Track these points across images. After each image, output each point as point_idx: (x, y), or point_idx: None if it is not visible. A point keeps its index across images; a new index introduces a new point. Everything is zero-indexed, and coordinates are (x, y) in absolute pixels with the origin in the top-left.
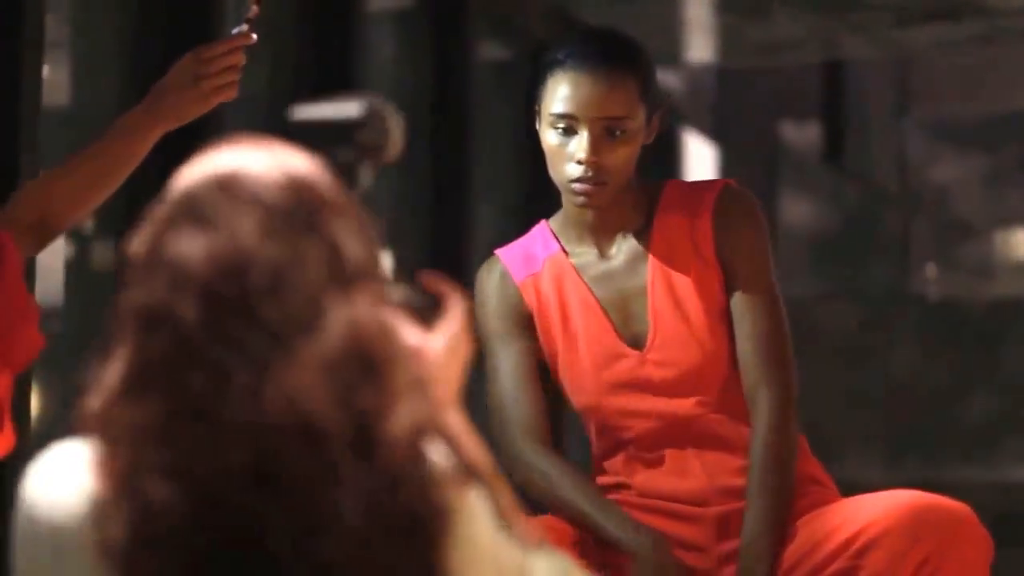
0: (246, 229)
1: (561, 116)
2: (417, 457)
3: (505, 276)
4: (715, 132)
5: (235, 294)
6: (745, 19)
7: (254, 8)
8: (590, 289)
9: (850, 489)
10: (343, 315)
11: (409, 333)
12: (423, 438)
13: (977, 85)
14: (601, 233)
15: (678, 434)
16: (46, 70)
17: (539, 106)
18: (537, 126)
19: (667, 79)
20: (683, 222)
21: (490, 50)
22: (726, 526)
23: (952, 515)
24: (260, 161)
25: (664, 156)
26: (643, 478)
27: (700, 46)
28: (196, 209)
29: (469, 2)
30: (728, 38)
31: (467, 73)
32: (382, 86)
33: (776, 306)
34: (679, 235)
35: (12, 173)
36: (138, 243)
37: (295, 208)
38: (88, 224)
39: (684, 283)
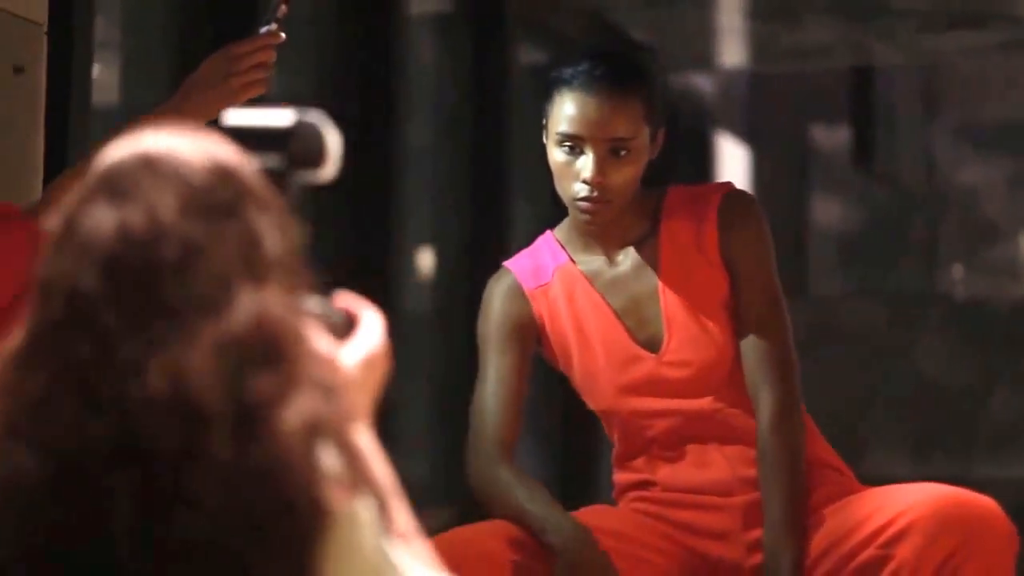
0: (163, 205)
1: (567, 136)
2: (304, 454)
3: (515, 287)
4: (747, 135)
5: (139, 268)
6: (777, 25)
7: (283, 7)
8: (602, 296)
9: (876, 486)
10: (250, 303)
11: (322, 341)
12: (316, 437)
13: (1003, 90)
14: (608, 242)
15: (698, 429)
16: (96, 69)
17: (546, 122)
18: (544, 140)
19: (700, 83)
20: (688, 227)
21: (528, 53)
22: (751, 514)
23: (978, 509)
24: (188, 144)
25: (697, 159)
26: (667, 473)
27: (733, 51)
28: (115, 184)
29: (507, 6)
30: (760, 43)
31: (505, 76)
32: (421, 89)
33: (778, 307)
34: (685, 239)
35: (63, 172)
36: (55, 217)
37: (217, 192)
38: None
39: (693, 285)
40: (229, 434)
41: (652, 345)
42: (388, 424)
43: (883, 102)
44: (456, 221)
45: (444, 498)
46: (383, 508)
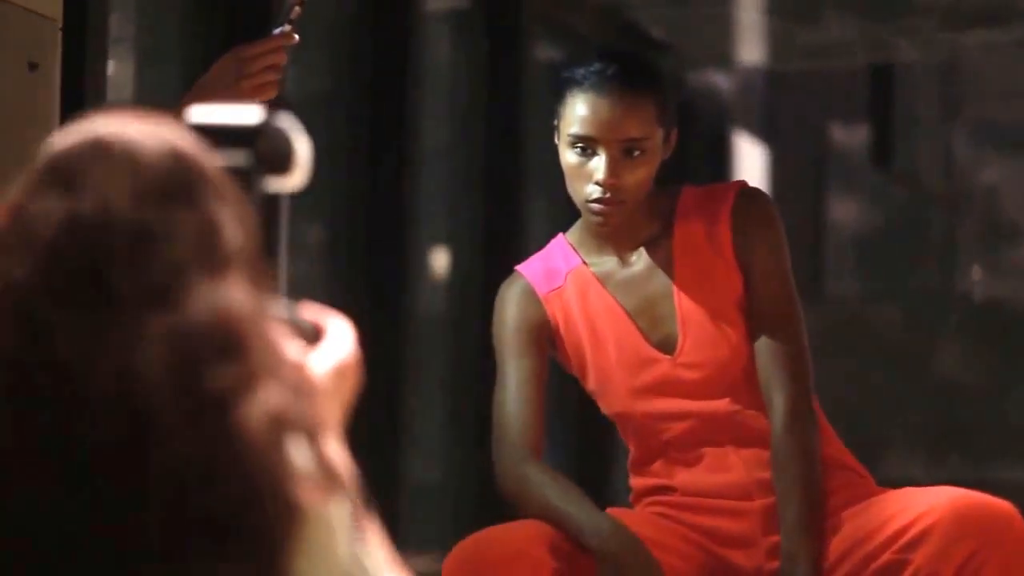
0: (114, 194)
1: (579, 137)
2: (270, 450)
3: (528, 291)
4: (764, 134)
5: (85, 258)
6: (795, 22)
7: (297, 9)
8: (615, 297)
9: (893, 488)
10: (206, 295)
11: (289, 345)
12: (282, 432)
13: None
14: (620, 243)
15: (715, 432)
16: (111, 66)
17: (558, 123)
18: (556, 141)
19: (718, 81)
20: (702, 226)
21: (544, 51)
22: (771, 518)
23: (997, 513)
24: (143, 130)
25: (714, 158)
26: (684, 478)
27: (750, 49)
28: (64, 171)
29: (524, 3)
30: (778, 41)
31: (521, 74)
32: (436, 87)
33: (792, 306)
34: (699, 239)
35: None
36: (2, 210)
37: (172, 180)
38: None
39: (708, 285)
40: (183, 432)
41: (666, 346)
42: (401, 425)
43: (903, 100)
44: (471, 221)
45: (458, 498)
46: (354, 512)
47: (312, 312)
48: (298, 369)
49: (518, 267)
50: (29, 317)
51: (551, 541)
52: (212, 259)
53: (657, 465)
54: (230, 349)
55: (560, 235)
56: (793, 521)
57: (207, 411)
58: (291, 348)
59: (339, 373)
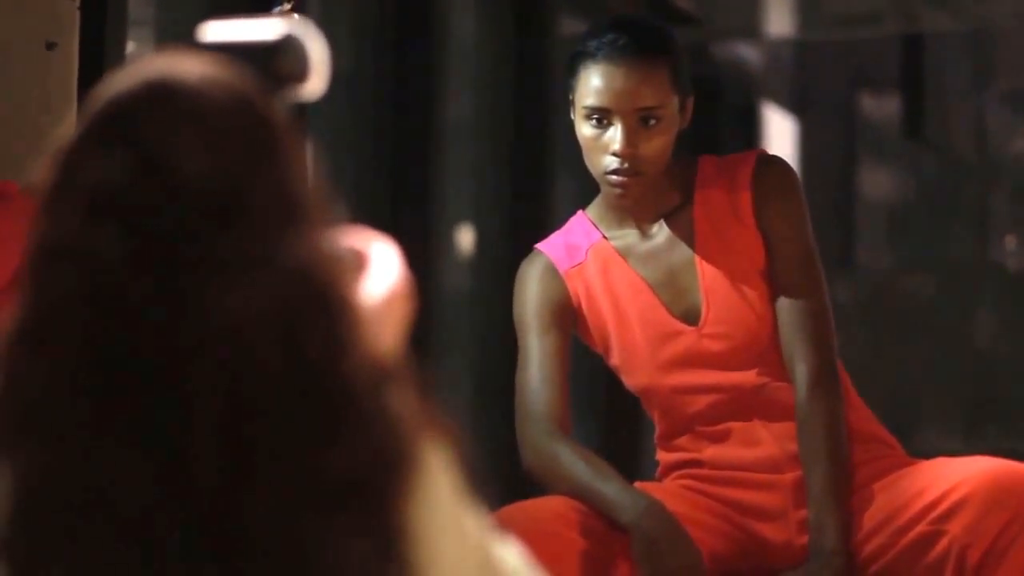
0: (185, 149)
1: (595, 109)
2: (377, 402)
3: (549, 268)
4: (794, 105)
5: (167, 224)
6: None
7: None
8: (636, 271)
9: (926, 459)
10: (295, 253)
11: (359, 285)
12: (384, 383)
13: None
14: (641, 215)
15: (742, 405)
16: (129, 46)
17: (572, 97)
18: (572, 116)
19: (746, 52)
20: (723, 194)
21: (570, 25)
22: (802, 492)
23: None
24: (204, 75)
25: (743, 130)
26: (713, 452)
27: (778, 19)
28: (123, 124)
29: None
30: (807, 11)
31: (547, 48)
32: (461, 63)
33: (814, 272)
34: (720, 208)
35: None
36: (49, 168)
37: (243, 130)
38: None
39: (731, 254)
40: (293, 390)
41: (691, 317)
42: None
43: (934, 70)
44: (497, 198)
45: (483, 474)
46: (457, 457)
47: (355, 239)
48: (372, 310)
49: (538, 245)
50: (119, 297)
51: (579, 517)
52: (291, 214)
53: (684, 439)
54: (321, 308)
55: (580, 211)
56: (819, 490)
57: (314, 367)
58: (360, 288)
59: (391, 299)
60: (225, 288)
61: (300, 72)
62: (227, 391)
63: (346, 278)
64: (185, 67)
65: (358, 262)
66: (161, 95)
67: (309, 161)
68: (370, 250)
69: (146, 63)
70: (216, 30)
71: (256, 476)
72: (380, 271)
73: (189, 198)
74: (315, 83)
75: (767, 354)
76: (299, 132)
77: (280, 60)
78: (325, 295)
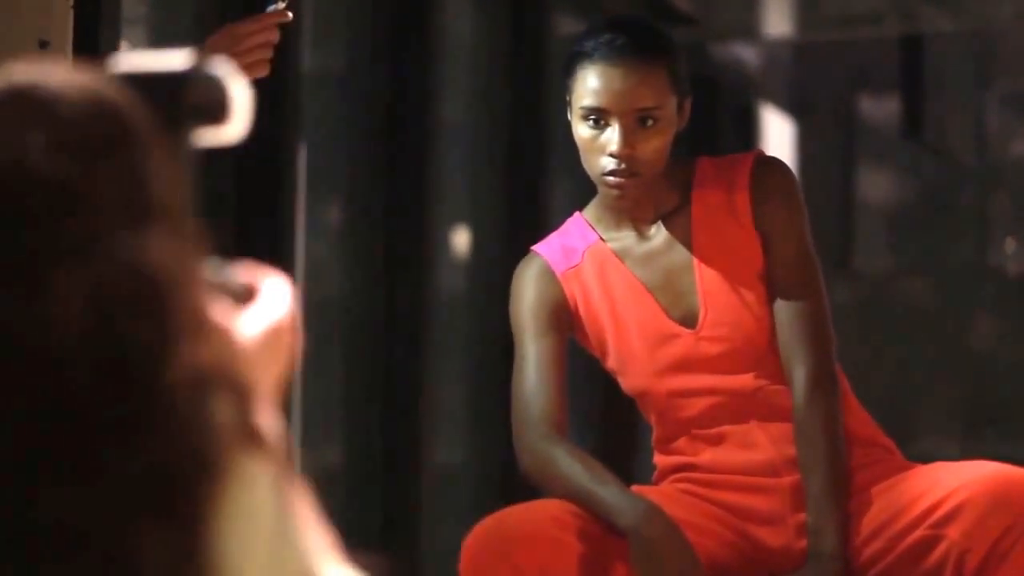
0: (32, 144)
1: (592, 109)
2: (194, 407)
3: (545, 271)
4: (792, 106)
5: (7, 212)
6: None
7: None
8: (633, 272)
9: (925, 463)
10: (125, 250)
11: (217, 304)
12: (207, 390)
13: None
14: (638, 216)
15: (739, 409)
16: (123, 46)
17: (569, 97)
18: (569, 117)
19: (744, 53)
20: (720, 196)
21: (567, 25)
22: (800, 496)
23: None
24: (62, 76)
25: (741, 132)
26: (710, 456)
27: (777, 20)
28: None
29: None
30: (805, 11)
31: (543, 48)
32: (456, 63)
33: (812, 275)
34: (718, 209)
35: None
36: None
37: (94, 131)
38: None
39: (729, 256)
40: (101, 389)
41: (688, 320)
42: (422, 406)
43: (933, 71)
44: (492, 200)
45: (480, 480)
46: (284, 477)
47: (247, 272)
48: (225, 328)
49: (534, 247)
50: None
51: (576, 521)
52: (134, 214)
53: (681, 443)
54: (149, 305)
55: (577, 212)
56: (818, 494)
57: (126, 368)
58: (219, 307)
59: (272, 335)
60: (41, 282)
61: (213, 109)
62: (36, 380)
63: (179, 284)
64: (50, 72)
65: (247, 294)
66: (17, 94)
67: (176, 171)
68: (261, 283)
69: (13, 69)
70: (125, 61)
71: (53, 472)
72: (267, 304)
73: (21, 193)
74: (234, 125)
75: (765, 357)
76: (159, 139)
77: (188, 93)
78: (155, 295)
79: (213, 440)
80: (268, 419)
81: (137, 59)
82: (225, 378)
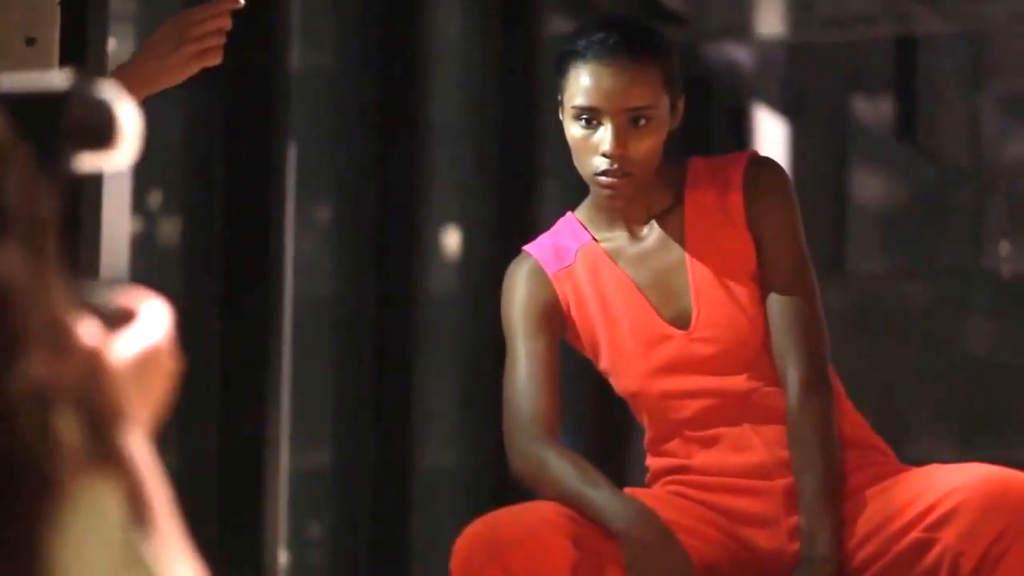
0: None
1: (584, 109)
2: (34, 422)
3: (536, 271)
4: (786, 108)
5: None
6: None
7: None
8: (626, 273)
9: (919, 466)
10: None
11: (83, 325)
12: (50, 405)
13: None
14: (631, 216)
15: (732, 411)
16: (111, 43)
17: (561, 97)
18: (560, 116)
19: (737, 54)
20: (714, 196)
21: (557, 25)
22: (793, 499)
23: None
24: None
25: (734, 133)
26: (703, 458)
27: (770, 20)
28: None
29: None
30: (799, 12)
31: (534, 49)
32: (447, 63)
33: (805, 275)
34: (711, 209)
35: None
36: None
37: None
38: (154, 199)
39: (722, 256)
40: None
41: (681, 321)
42: (413, 408)
43: (927, 73)
44: (483, 199)
45: (471, 482)
46: (139, 501)
47: (125, 296)
48: (89, 348)
49: (526, 247)
50: None
51: (568, 523)
52: None
53: (674, 445)
54: None
55: (569, 213)
56: (811, 497)
57: None
58: (86, 328)
59: (146, 359)
60: None
61: (95, 131)
62: None
63: (27, 298)
64: None
65: (123, 317)
66: None
67: (41, 190)
68: (139, 307)
69: None
70: (5, 81)
71: None
72: (144, 328)
73: None
74: (121, 150)
75: (758, 358)
76: (18, 154)
77: (65, 113)
78: None
79: (54, 459)
80: (134, 443)
81: (16, 79)
82: (78, 396)
